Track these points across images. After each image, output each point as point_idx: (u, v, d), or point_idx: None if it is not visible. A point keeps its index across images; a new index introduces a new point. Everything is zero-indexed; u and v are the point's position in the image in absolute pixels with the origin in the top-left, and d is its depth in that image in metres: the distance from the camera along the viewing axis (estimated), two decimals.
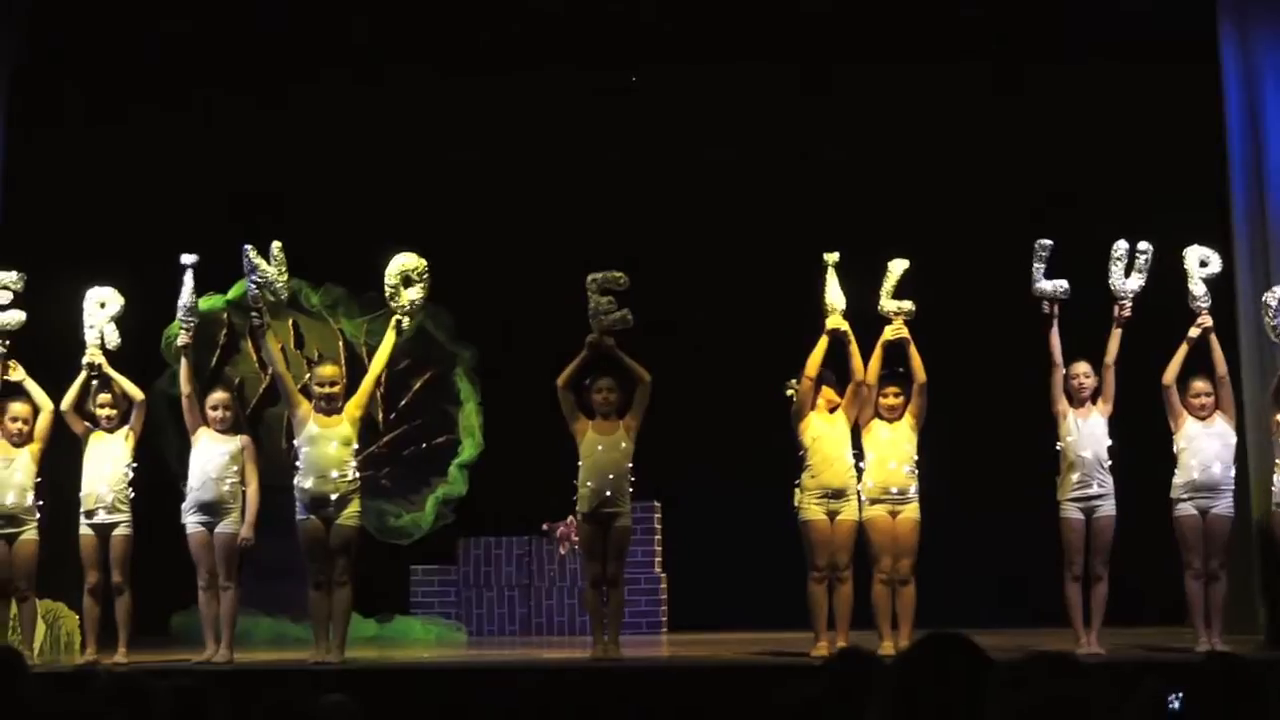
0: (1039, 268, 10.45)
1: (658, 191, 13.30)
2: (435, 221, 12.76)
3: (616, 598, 10.51)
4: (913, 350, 10.47)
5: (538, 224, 13.40)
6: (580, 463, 10.45)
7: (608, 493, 10.36)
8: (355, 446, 10.50)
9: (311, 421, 10.41)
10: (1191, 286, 10.49)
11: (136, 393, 10.67)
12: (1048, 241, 10.51)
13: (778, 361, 10.96)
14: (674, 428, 11.73)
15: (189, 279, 10.67)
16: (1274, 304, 10.41)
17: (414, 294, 10.53)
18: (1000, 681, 3.74)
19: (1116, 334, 10.49)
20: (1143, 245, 10.53)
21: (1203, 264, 10.53)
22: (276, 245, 10.55)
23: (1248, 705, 4.30)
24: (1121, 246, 10.51)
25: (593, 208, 13.24)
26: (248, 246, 10.52)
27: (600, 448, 10.41)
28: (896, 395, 10.50)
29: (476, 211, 13.52)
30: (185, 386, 10.65)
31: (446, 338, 13.49)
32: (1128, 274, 10.48)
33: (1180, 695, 4.37)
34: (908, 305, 10.50)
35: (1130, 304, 10.47)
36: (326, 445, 10.36)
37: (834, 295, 10.54)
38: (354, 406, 10.50)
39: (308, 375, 10.76)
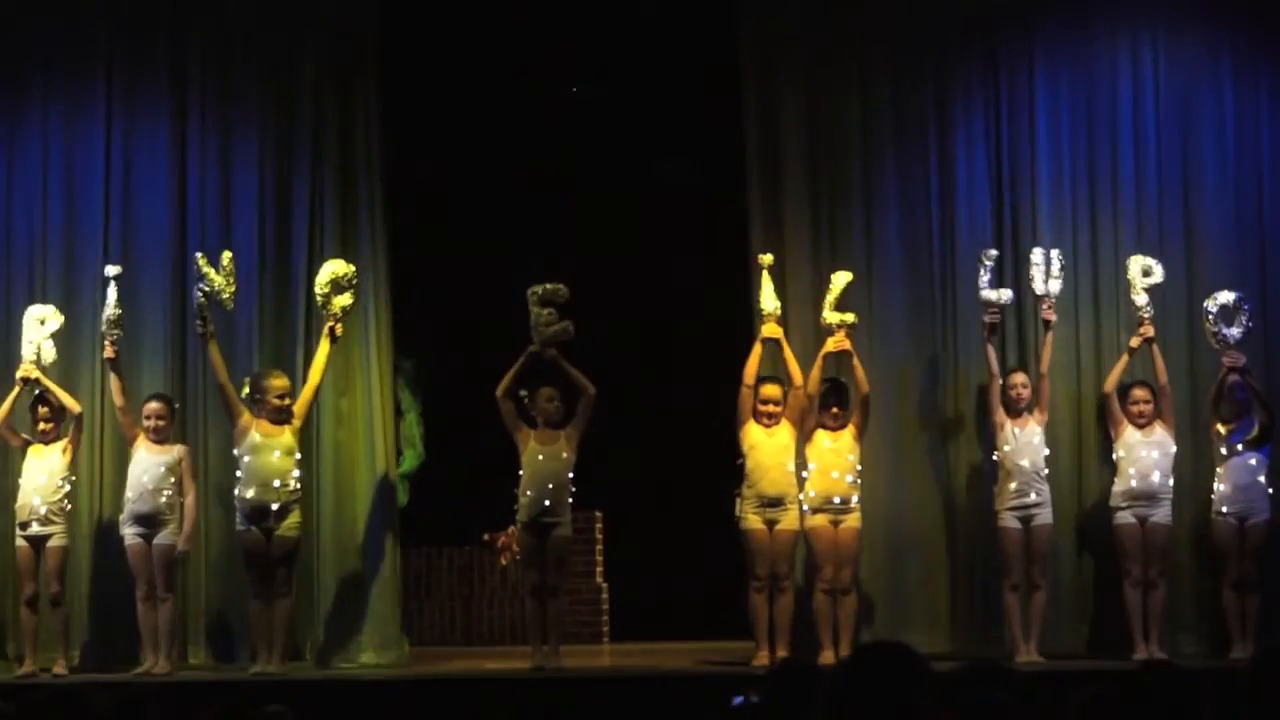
0: (984, 277, 10.57)
1: (597, 200, 13.29)
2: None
3: (557, 607, 10.51)
4: (856, 362, 10.52)
5: (478, 231, 13.36)
6: (521, 471, 10.47)
7: (547, 502, 10.37)
8: (298, 456, 10.49)
9: (254, 430, 10.39)
10: (1134, 296, 10.61)
11: (74, 405, 10.65)
12: (994, 251, 10.71)
13: (720, 368, 11.02)
14: (616, 436, 11.73)
15: (112, 291, 10.65)
16: (1214, 310, 10.52)
17: (344, 300, 10.56)
18: (938, 690, 3.76)
19: (1048, 340, 10.61)
20: (1055, 252, 10.71)
21: (1145, 274, 10.63)
22: (226, 255, 10.57)
23: (1184, 714, 4.32)
24: (1039, 253, 10.65)
25: (532, 215, 13.22)
26: (197, 254, 10.56)
27: (541, 457, 10.43)
28: (836, 416, 10.54)
29: (416, 219, 13.45)
30: (117, 399, 10.63)
31: None
32: (1047, 279, 10.59)
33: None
34: (850, 317, 10.54)
35: (1053, 305, 10.58)
36: (269, 454, 10.35)
37: (768, 300, 10.58)
38: (295, 417, 10.49)
39: (246, 387, 10.73)
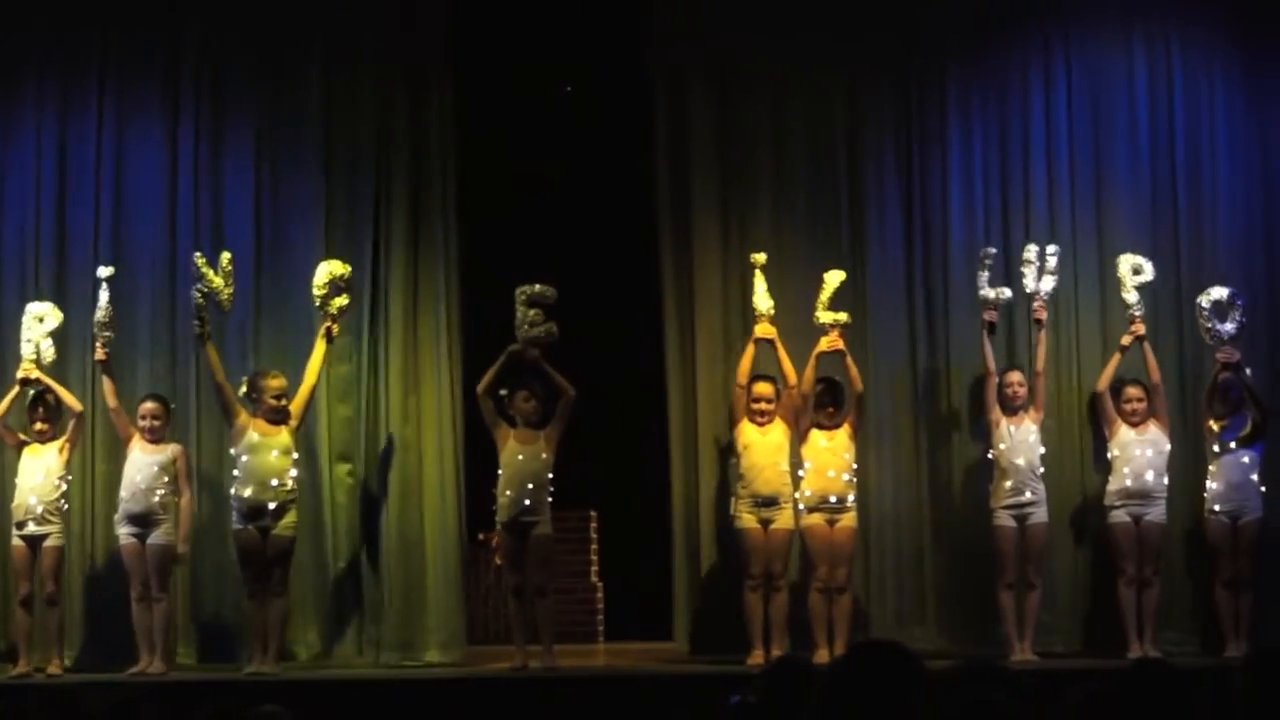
0: (983, 275, 10.58)
1: (588, 197, 13.29)
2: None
3: (545, 607, 10.50)
4: (849, 361, 10.53)
5: (468, 233, 13.35)
6: (500, 471, 10.48)
7: (526, 501, 10.38)
8: (295, 456, 10.50)
9: (252, 430, 10.39)
10: (1125, 295, 10.61)
11: (75, 404, 10.65)
12: (992, 250, 10.70)
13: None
14: (609, 434, 11.73)
15: (104, 293, 10.64)
16: (1207, 307, 10.53)
17: (342, 301, 10.59)
18: (933, 689, 3.77)
19: (1042, 339, 10.62)
20: (1051, 247, 10.70)
21: (1136, 272, 10.64)
22: (225, 257, 10.57)
23: (1178, 713, 4.33)
24: (1032, 249, 10.66)
25: (519, 213, 13.22)
26: (196, 255, 10.55)
27: (520, 457, 10.43)
28: (831, 415, 10.54)
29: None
30: (110, 400, 10.63)
31: None
32: (1040, 276, 10.60)
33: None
34: (843, 316, 10.55)
35: (1046, 304, 10.58)
36: (267, 454, 10.36)
37: (761, 300, 10.60)
38: (292, 417, 10.50)
39: (243, 386, 10.74)
